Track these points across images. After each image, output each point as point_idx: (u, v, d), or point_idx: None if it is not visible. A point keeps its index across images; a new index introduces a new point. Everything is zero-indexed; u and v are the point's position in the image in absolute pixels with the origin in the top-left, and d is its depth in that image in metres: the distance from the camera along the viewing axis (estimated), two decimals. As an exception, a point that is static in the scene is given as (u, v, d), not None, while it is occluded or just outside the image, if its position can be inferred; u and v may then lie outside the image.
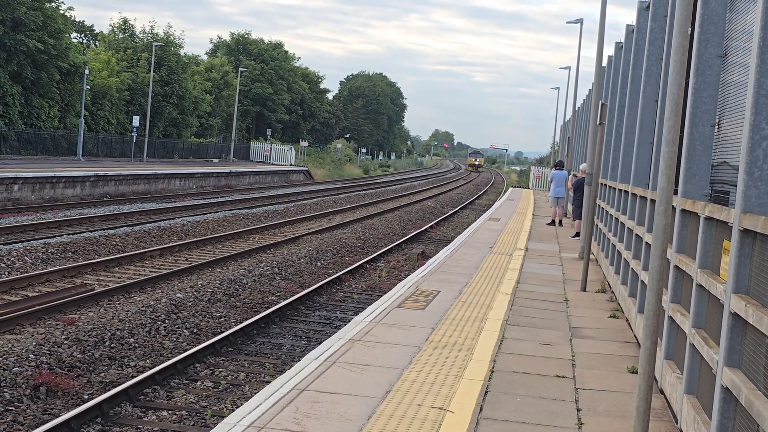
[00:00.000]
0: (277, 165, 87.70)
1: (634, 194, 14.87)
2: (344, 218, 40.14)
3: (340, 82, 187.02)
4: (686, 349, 8.13)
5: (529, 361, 11.07)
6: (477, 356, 11.03)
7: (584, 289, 17.75)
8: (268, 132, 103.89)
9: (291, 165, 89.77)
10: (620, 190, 17.53)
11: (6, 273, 20.09)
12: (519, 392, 9.61)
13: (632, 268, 13.91)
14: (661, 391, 9.59)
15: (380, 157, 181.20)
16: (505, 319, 13.75)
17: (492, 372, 10.34)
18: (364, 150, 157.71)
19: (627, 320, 14.28)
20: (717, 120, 8.74)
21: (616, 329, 13.87)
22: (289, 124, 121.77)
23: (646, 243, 12.20)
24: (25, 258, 21.62)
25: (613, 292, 17.16)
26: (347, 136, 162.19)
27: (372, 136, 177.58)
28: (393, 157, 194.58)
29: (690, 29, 7.98)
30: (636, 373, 9.98)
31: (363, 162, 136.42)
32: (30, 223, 28.56)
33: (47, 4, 63.01)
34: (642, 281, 12.30)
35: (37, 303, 16.85)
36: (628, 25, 19.63)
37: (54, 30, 62.47)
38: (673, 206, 8.59)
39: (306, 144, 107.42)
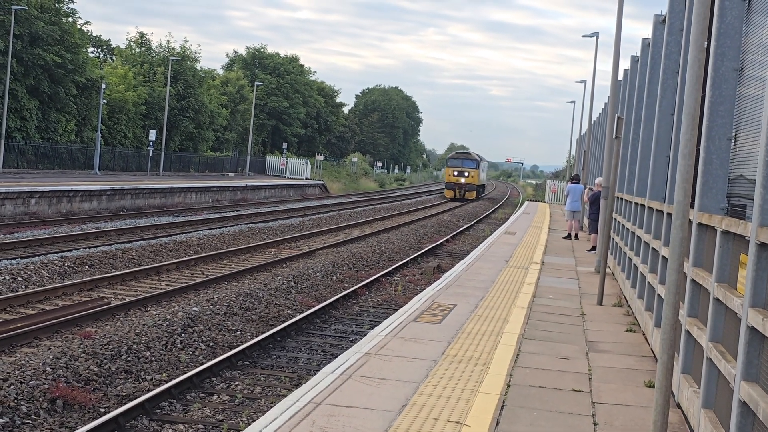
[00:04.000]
0: (292, 179, 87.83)
1: (650, 208, 14.84)
2: (360, 232, 40.15)
3: (356, 95, 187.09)
4: (703, 363, 8.10)
5: (546, 375, 11.04)
6: (493, 370, 11.01)
7: (600, 303, 17.70)
8: (284, 146, 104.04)
9: (307, 179, 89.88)
10: (636, 203, 17.49)
11: (23, 286, 20.15)
12: (535, 406, 9.58)
13: (649, 282, 13.88)
14: (678, 406, 9.55)
15: (396, 170, 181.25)
16: (522, 333, 13.72)
17: (508, 386, 10.32)
18: (379, 164, 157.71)
19: (644, 334, 14.23)
20: (734, 133, 8.72)
21: (633, 343, 13.83)
22: (304, 137, 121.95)
23: (663, 257, 12.17)
24: (42, 271, 21.69)
25: (629, 306, 17.11)
26: (363, 149, 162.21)
27: (387, 150, 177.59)
28: (408, 170, 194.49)
29: (706, 43, 7.97)
30: (653, 387, 9.95)
31: (378, 176, 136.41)
32: (47, 236, 28.65)
33: (64, 19, 63.36)
34: (659, 295, 12.26)
35: (54, 316, 16.90)
36: (644, 39, 19.61)
37: (71, 44, 62.79)
38: (689, 220, 8.57)
39: (322, 158, 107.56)
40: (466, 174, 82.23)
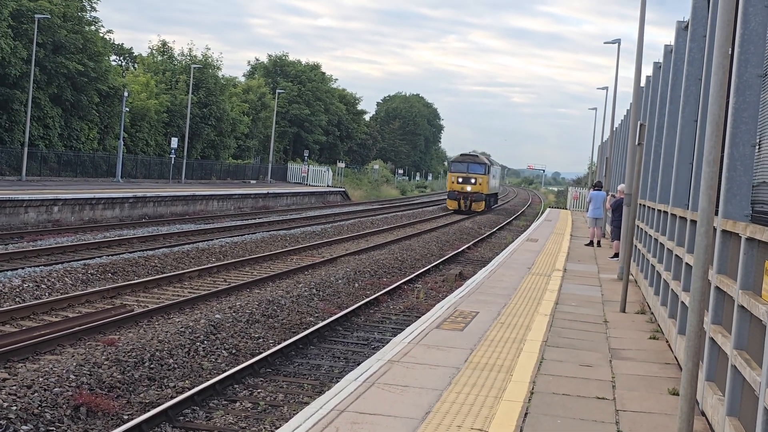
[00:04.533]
0: (314, 186, 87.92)
1: (673, 215, 14.78)
2: (381, 239, 40.16)
3: (377, 103, 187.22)
4: (728, 371, 8.07)
5: (569, 383, 11.01)
6: (516, 377, 10.98)
7: (623, 311, 17.64)
8: (306, 153, 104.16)
9: (328, 186, 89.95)
10: (659, 210, 17.43)
11: (47, 294, 20.23)
12: (559, 414, 9.55)
13: (672, 289, 13.82)
14: (703, 413, 9.50)
15: (417, 177, 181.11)
16: (545, 341, 13.69)
17: (532, 393, 10.29)
18: (401, 171, 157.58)
19: (667, 341, 14.17)
20: (758, 140, 8.69)
21: (656, 350, 13.77)
22: (326, 145, 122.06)
23: (686, 264, 12.12)
24: (66, 279, 21.78)
25: (652, 313, 17.04)
26: (384, 157, 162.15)
27: (409, 157, 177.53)
28: (430, 177, 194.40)
29: (730, 49, 7.95)
30: (677, 394, 9.92)
31: (400, 183, 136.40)
32: (70, 244, 28.77)
33: (87, 28, 63.61)
34: (682, 302, 12.21)
35: (78, 324, 16.97)
36: (666, 46, 19.55)
37: (94, 53, 63.04)
38: (713, 227, 8.54)
39: (343, 165, 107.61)
40: (473, 181, 69.76)
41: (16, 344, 14.83)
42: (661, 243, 16.47)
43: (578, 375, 11.52)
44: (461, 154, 74.32)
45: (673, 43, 17.81)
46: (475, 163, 71.13)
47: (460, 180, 69.62)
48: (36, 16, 54.78)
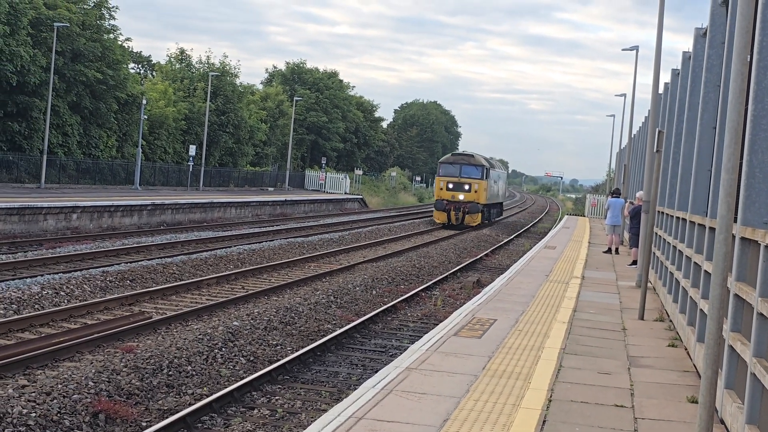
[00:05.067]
0: (331, 193, 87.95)
1: (692, 222, 14.74)
2: (399, 246, 40.16)
3: (395, 110, 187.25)
4: (747, 379, 8.04)
5: (587, 390, 10.99)
6: (534, 385, 10.96)
7: (642, 318, 17.59)
8: (323, 160, 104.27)
9: (346, 193, 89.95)
10: (678, 218, 17.38)
11: (65, 301, 20.30)
12: (577, 421, 9.53)
13: (691, 297, 13.78)
14: (722, 421, 9.47)
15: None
16: (563, 348, 13.66)
17: (550, 401, 10.27)
18: (418, 178, 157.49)
19: (686, 349, 14.13)
20: (777, 147, 8.66)
21: (675, 358, 13.73)
22: (343, 152, 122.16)
23: (705, 271, 12.09)
24: (84, 286, 21.85)
25: (671, 321, 17.00)
26: (401, 164, 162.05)
27: (426, 164, 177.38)
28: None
29: (748, 56, 7.93)
30: (696, 402, 9.88)
31: (418, 190, 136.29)
32: (89, 251, 28.87)
33: (106, 36, 63.88)
34: (701, 310, 12.17)
35: (96, 331, 17.02)
36: (684, 52, 19.52)
37: (112, 61, 63.29)
38: (732, 234, 8.51)
39: (361, 172, 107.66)
40: (466, 187, 57.05)
41: (35, 351, 14.89)
42: (679, 250, 16.43)
43: (596, 383, 11.49)
44: (453, 154, 62.11)
45: (691, 50, 17.78)
46: (469, 165, 58.14)
47: (451, 186, 57.16)
48: (55, 24, 55.05)
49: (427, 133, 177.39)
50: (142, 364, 14.44)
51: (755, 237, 8.45)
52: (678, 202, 17.62)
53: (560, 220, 68.65)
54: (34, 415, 11.48)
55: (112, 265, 25.91)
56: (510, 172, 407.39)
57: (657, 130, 19.00)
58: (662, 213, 21.97)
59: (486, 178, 58.14)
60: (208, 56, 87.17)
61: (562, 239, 40.44)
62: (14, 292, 19.68)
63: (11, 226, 34.59)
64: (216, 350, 16.14)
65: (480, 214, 57.13)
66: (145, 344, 16.22)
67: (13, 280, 21.65)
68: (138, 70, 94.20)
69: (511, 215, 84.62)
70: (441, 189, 57.45)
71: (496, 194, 65.90)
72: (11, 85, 54.31)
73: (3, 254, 27.78)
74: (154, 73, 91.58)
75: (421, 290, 25.57)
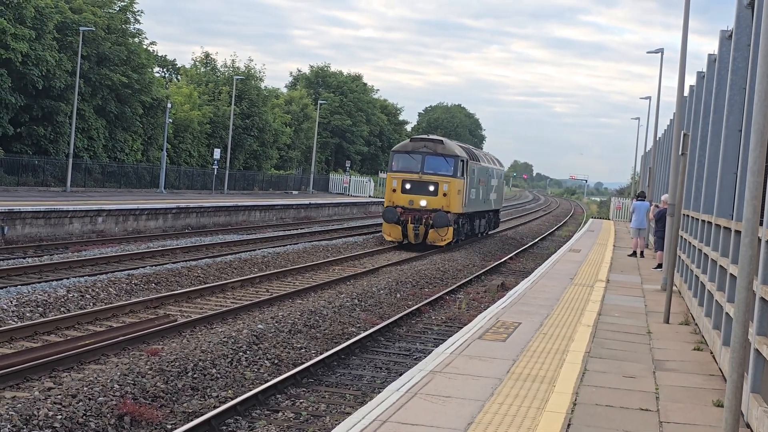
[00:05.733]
0: (356, 196, 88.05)
1: (717, 225, 14.67)
2: (423, 249, 40.10)
3: (419, 113, 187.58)
4: (774, 383, 7.99)
5: (612, 394, 10.95)
6: (559, 389, 10.93)
7: (667, 322, 17.52)
8: (347, 164, 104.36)
9: (370, 196, 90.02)
10: (703, 221, 17.31)
11: (91, 304, 20.39)
12: (602, 425, 9.50)
13: (716, 300, 13.71)
14: (748, 425, 9.42)
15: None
16: (587, 352, 13.62)
17: (574, 405, 10.24)
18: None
19: (711, 353, 14.05)
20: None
21: (701, 362, 13.66)
22: (368, 155, 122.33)
23: (731, 275, 12.03)
24: (110, 289, 21.94)
25: (696, 325, 16.92)
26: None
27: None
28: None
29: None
30: (721, 406, 9.83)
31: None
32: (114, 254, 28.99)
33: (131, 40, 64.23)
34: (727, 313, 12.11)
35: (122, 333, 17.09)
36: (710, 55, 19.44)
37: (137, 65, 63.62)
38: (758, 237, 8.47)
39: (385, 175, 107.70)
40: (431, 188, 39.47)
41: (61, 354, 14.97)
42: (705, 253, 16.35)
43: (621, 386, 11.45)
44: (412, 138, 42.37)
45: (716, 52, 17.70)
46: (436, 155, 39.82)
47: (408, 186, 39.46)
48: (81, 28, 55.38)
49: (451, 136, 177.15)
50: (167, 366, 14.48)
51: (781, 240, 8.40)
52: (703, 205, 17.54)
53: (585, 223, 68.44)
54: (60, 417, 11.54)
55: (137, 268, 26.01)
56: (534, 175, 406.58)
57: (682, 132, 18.93)
58: (687, 216, 21.88)
59: (462, 175, 40.17)
60: (233, 60, 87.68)
61: (587, 242, 40.33)
62: (40, 294, 19.79)
63: (37, 230, 34.79)
64: (240, 353, 16.17)
65: (451, 229, 39.21)
66: (170, 347, 16.27)
67: (39, 283, 21.76)
68: (163, 74, 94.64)
69: (523, 223, 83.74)
70: (394, 191, 39.40)
71: (483, 199, 46.82)
72: (37, 89, 54.67)
73: (29, 257, 27.94)
74: (179, 77, 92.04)
75: (446, 293, 25.55)
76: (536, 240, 51.79)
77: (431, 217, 38.82)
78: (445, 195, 39.04)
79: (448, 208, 39.10)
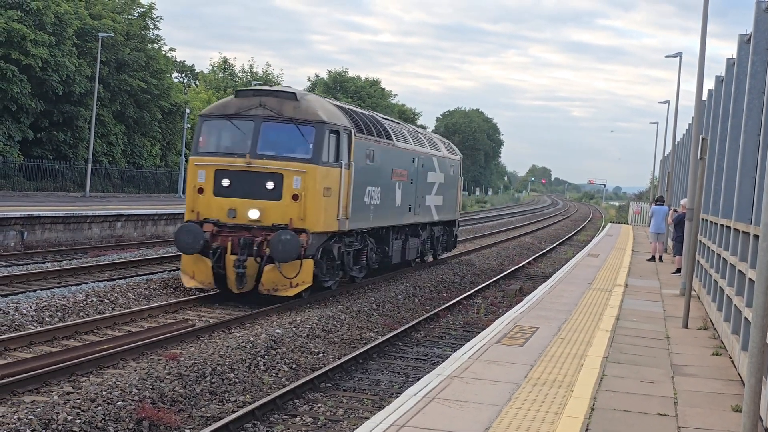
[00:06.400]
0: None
1: (736, 230, 14.63)
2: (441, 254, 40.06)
3: (437, 118, 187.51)
4: (792, 388, 7.97)
5: (630, 399, 10.92)
6: (577, 393, 10.91)
7: (686, 326, 17.46)
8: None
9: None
10: (722, 225, 17.25)
11: (110, 308, 20.45)
12: (620, 430, 9.48)
13: (735, 305, 13.67)
14: (766, 430, 9.39)
15: (477, 192, 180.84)
16: (605, 356, 13.59)
17: (592, 409, 10.22)
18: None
19: (730, 358, 14.01)
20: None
21: (719, 367, 13.62)
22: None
23: (750, 279, 11.99)
24: (128, 294, 21.99)
25: (715, 329, 16.86)
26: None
27: (468, 172, 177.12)
28: (490, 192, 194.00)
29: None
30: (740, 411, 9.79)
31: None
32: (132, 259, 29.07)
33: (150, 46, 64.49)
34: (745, 318, 12.07)
35: (140, 338, 17.13)
36: (728, 59, 19.37)
37: (156, 70, 63.89)
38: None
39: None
40: (269, 185, 21.61)
41: (80, 358, 15.02)
42: (723, 258, 16.30)
43: (640, 391, 11.42)
44: (238, 91, 23.36)
45: (735, 56, 17.65)
46: (280, 121, 22.17)
47: (226, 182, 22.00)
48: (100, 34, 55.64)
49: (469, 141, 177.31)
50: (185, 371, 14.52)
51: (800, 244, 8.37)
52: (722, 210, 17.49)
53: (603, 227, 68.24)
54: (78, 421, 11.58)
55: (156, 273, 26.08)
56: (552, 179, 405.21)
57: (701, 137, 18.88)
58: (706, 220, 21.81)
59: (336, 158, 22.85)
60: (251, 65, 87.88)
61: (606, 247, 40.23)
62: (59, 299, 19.86)
63: (57, 235, 34.93)
64: (258, 358, 16.20)
65: (307, 263, 21.88)
66: (188, 351, 16.30)
67: (59, 288, 21.84)
68: (181, 79, 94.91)
69: (541, 228, 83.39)
70: (200, 191, 22.24)
71: (409, 205, 29.55)
72: (57, 95, 54.94)
73: (48, 262, 28.06)
74: (197, 83, 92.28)
75: (464, 298, 25.53)
76: (554, 245, 51.71)
77: (266, 238, 21.43)
78: (296, 197, 21.62)
79: (303, 222, 21.61)
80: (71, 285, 22.54)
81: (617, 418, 9.98)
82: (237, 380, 14.79)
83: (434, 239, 34.27)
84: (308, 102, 22.82)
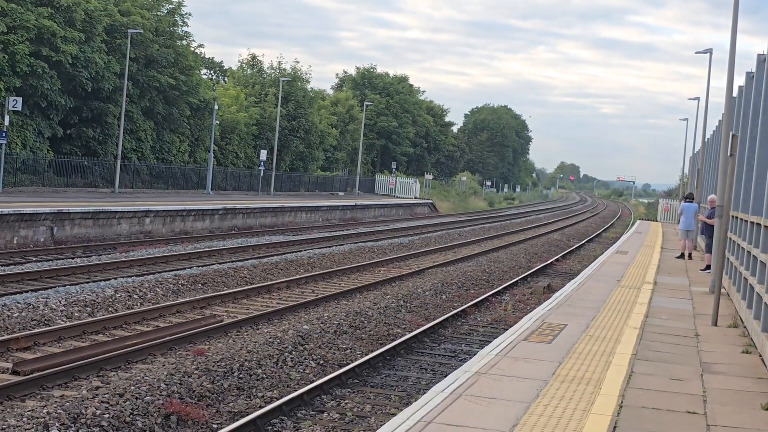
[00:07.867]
0: (401, 198, 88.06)
1: (766, 227, 14.52)
2: (469, 251, 40.05)
3: (465, 114, 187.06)
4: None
5: (659, 397, 10.86)
6: (605, 391, 10.86)
7: (715, 324, 17.35)
8: (393, 165, 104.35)
9: (416, 198, 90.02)
10: (752, 222, 17.13)
11: (138, 304, 20.55)
12: (648, 428, 9.43)
13: (765, 303, 13.57)
14: (797, 429, 9.32)
15: (505, 189, 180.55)
16: (634, 354, 13.52)
17: (620, 407, 10.17)
18: (488, 183, 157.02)
19: (760, 356, 13.90)
20: None
21: (749, 365, 13.52)
22: (413, 157, 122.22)
23: (780, 277, 11.89)
24: (157, 289, 22.09)
25: (745, 327, 16.74)
26: (472, 168, 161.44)
27: (497, 169, 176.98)
28: (518, 189, 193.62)
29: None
30: (770, 410, 9.73)
31: (488, 195, 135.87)
32: (161, 255, 29.19)
33: (179, 42, 64.63)
34: (776, 316, 11.98)
35: (168, 333, 17.20)
36: (759, 55, 19.22)
37: (185, 67, 64.01)
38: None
39: (431, 177, 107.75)
40: None
41: (108, 353, 15.10)
42: (754, 255, 16.18)
43: (668, 389, 11.36)
44: None
45: (766, 52, 17.51)
46: None
47: None
48: (129, 31, 55.79)
49: (497, 137, 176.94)
50: (213, 366, 14.56)
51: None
52: (752, 207, 17.36)
53: (632, 225, 67.92)
54: (107, 416, 11.63)
55: (184, 268, 26.18)
56: (581, 176, 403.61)
57: (731, 133, 18.75)
58: (736, 218, 21.66)
59: None
60: (279, 62, 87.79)
61: (634, 244, 40.04)
62: (88, 294, 19.97)
63: (86, 230, 35.11)
64: (286, 354, 16.22)
65: None
66: (216, 347, 16.35)
67: (88, 283, 21.97)
68: (210, 75, 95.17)
69: (570, 225, 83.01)
70: None
71: None
72: (86, 92, 55.15)
73: (78, 258, 28.21)
74: (226, 79, 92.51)
75: (491, 295, 25.48)
76: (583, 242, 51.53)
77: None
78: None
79: None
80: (100, 280, 22.66)
81: (645, 415, 9.92)
82: (264, 376, 14.81)
83: None
84: None
